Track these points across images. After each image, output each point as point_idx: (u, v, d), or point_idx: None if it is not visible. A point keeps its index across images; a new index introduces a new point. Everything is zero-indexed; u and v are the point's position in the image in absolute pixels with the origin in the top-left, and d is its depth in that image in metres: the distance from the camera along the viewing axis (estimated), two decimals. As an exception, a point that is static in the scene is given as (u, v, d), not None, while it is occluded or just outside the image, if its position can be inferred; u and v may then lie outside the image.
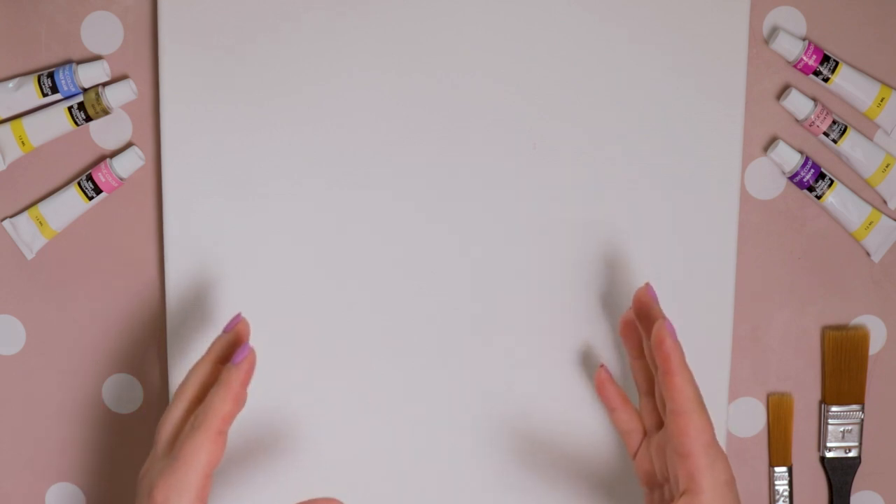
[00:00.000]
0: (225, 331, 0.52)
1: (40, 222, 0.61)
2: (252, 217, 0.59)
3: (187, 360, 0.60)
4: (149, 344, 0.62)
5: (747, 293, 0.61)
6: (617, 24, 0.58)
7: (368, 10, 0.58)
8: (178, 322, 0.60)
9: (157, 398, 0.63)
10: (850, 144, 0.59)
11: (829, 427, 0.62)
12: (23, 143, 0.60)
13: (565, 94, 0.58)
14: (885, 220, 0.60)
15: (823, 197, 0.60)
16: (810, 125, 0.59)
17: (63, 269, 0.62)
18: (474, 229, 0.59)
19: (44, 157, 0.61)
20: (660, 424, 0.54)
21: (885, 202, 0.61)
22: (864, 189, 0.61)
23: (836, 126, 0.59)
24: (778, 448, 0.62)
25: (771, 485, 0.63)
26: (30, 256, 0.62)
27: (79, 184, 0.60)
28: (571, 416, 0.60)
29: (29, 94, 0.60)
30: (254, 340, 0.59)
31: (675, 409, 0.49)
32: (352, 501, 0.61)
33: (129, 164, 0.60)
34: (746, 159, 0.60)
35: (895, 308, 0.62)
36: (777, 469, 0.62)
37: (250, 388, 0.60)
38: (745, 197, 0.61)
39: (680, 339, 0.50)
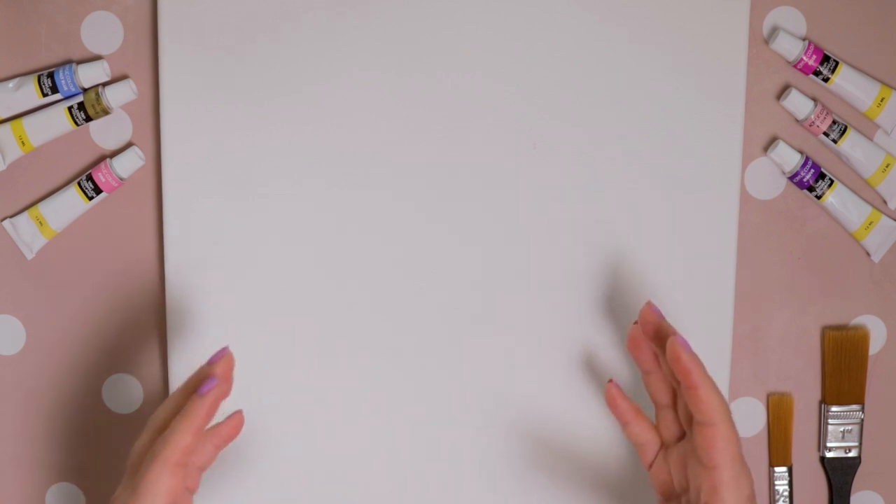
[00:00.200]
0: (209, 362, 0.50)
1: (40, 222, 0.61)
2: (252, 217, 0.59)
3: (187, 361, 0.60)
4: (149, 344, 0.62)
5: (747, 293, 0.61)
6: (617, 24, 0.58)
7: (368, 10, 0.58)
8: (178, 322, 0.60)
9: (157, 398, 0.63)
10: (850, 144, 0.59)
11: (829, 427, 0.62)
12: (23, 143, 0.60)
13: (565, 94, 0.58)
14: (885, 220, 0.60)
15: (823, 197, 0.60)
16: (810, 125, 0.59)
17: (63, 269, 0.62)
18: (474, 229, 0.59)
19: (44, 157, 0.61)
20: (680, 436, 0.53)
21: (885, 202, 0.61)
22: (864, 189, 0.61)
23: (836, 126, 0.59)
24: (778, 448, 0.62)
25: (771, 485, 0.63)
26: (30, 256, 0.62)
27: (79, 184, 0.60)
28: (572, 416, 0.60)
29: (29, 94, 0.60)
30: (254, 340, 0.60)
31: (702, 421, 0.48)
32: (352, 501, 0.61)
33: (129, 164, 0.60)
34: (746, 159, 0.60)
35: (895, 308, 0.62)
36: (777, 469, 0.62)
37: (250, 388, 0.60)
38: (745, 197, 0.61)
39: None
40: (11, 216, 0.62)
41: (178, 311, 0.59)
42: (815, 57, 0.59)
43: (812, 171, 0.59)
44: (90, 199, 0.60)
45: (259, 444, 0.60)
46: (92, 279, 0.62)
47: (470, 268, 0.59)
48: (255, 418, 0.60)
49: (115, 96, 0.59)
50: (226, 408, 0.60)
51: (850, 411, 0.61)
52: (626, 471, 0.60)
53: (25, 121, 0.60)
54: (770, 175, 0.61)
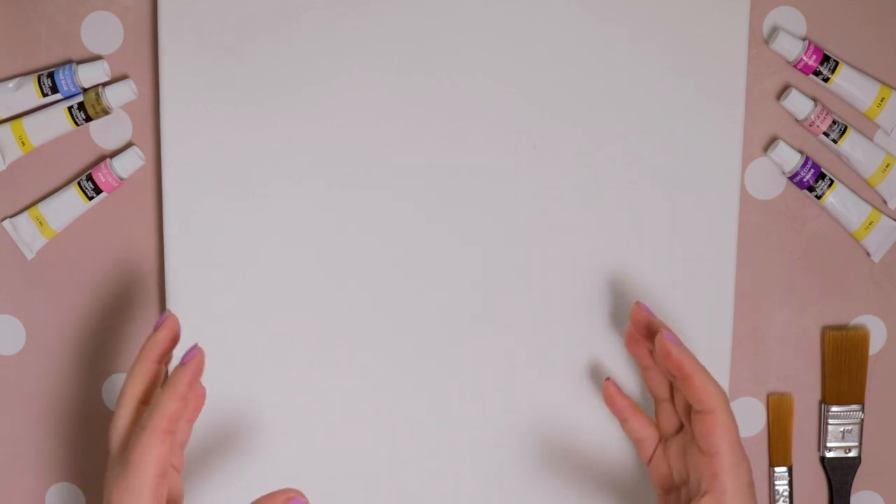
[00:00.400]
0: (182, 363, 0.50)
1: (40, 222, 0.61)
2: (252, 217, 0.59)
3: (187, 360, 0.60)
4: (149, 344, 0.62)
5: (747, 293, 0.61)
6: (617, 24, 0.58)
7: (368, 10, 0.58)
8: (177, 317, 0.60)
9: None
10: (850, 144, 0.59)
11: (829, 427, 0.62)
12: (23, 143, 0.60)
13: (565, 94, 0.58)
14: (885, 220, 0.60)
15: (823, 197, 0.60)
16: (810, 125, 0.59)
17: (63, 269, 0.62)
18: (474, 229, 0.59)
19: (44, 157, 0.61)
20: (679, 428, 0.54)
21: (885, 202, 0.61)
22: (864, 189, 0.61)
23: (836, 126, 0.59)
24: (778, 448, 0.62)
25: (771, 485, 0.63)
26: (30, 256, 0.62)
27: (79, 184, 0.60)
28: (572, 415, 0.60)
29: (29, 94, 0.60)
30: (254, 340, 0.60)
31: (701, 409, 0.49)
32: (352, 501, 0.61)
33: (129, 164, 0.60)
34: (746, 159, 0.60)
35: (895, 308, 0.62)
36: (777, 469, 0.62)
37: (251, 388, 0.60)
38: (745, 197, 0.61)
39: (681, 340, 0.50)
40: (11, 216, 0.62)
41: (178, 311, 0.59)
42: (815, 57, 0.59)
43: (812, 171, 0.59)
44: (90, 199, 0.60)
45: (259, 444, 0.60)
46: (92, 279, 0.62)
47: (470, 268, 0.59)
48: (255, 418, 0.60)
49: (115, 96, 0.59)
50: (224, 408, 0.60)
51: (850, 411, 0.61)
52: (627, 469, 0.60)
53: (25, 121, 0.60)
54: (770, 175, 0.61)
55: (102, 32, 0.60)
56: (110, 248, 0.62)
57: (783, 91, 0.60)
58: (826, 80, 0.59)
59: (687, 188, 0.59)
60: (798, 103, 0.59)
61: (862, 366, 0.61)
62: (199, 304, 0.59)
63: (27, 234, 0.61)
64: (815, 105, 0.59)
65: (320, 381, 0.60)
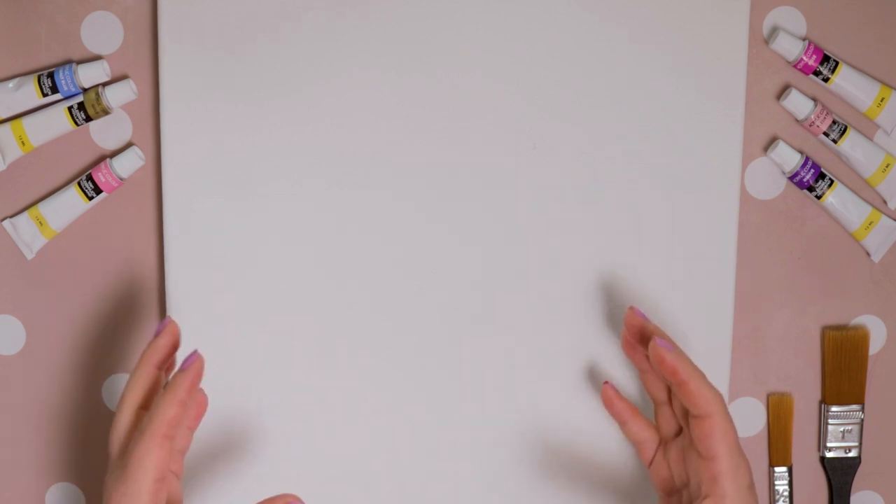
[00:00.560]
0: (182, 368, 0.51)
1: (40, 222, 0.61)
2: (252, 217, 0.59)
3: (187, 360, 0.60)
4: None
5: (747, 293, 0.61)
6: (617, 24, 0.58)
7: (368, 10, 0.58)
8: (177, 322, 0.60)
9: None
10: (850, 144, 0.59)
11: (829, 427, 0.62)
12: (23, 143, 0.60)
13: (565, 94, 0.58)
14: (885, 220, 0.60)
15: (823, 197, 0.60)
16: (810, 125, 0.59)
17: (63, 269, 0.62)
18: (474, 229, 0.59)
19: (44, 157, 0.61)
20: (678, 431, 0.54)
21: (885, 202, 0.61)
22: (864, 189, 0.61)
23: (836, 126, 0.59)
24: (778, 448, 0.62)
25: (771, 485, 0.63)
26: (30, 256, 0.62)
27: (79, 184, 0.60)
28: (572, 416, 0.60)
29: (29, 94, 0.60)
30: (254, 340, 0.60)
31: (698, 414, 0.49)
32: (352, 501, 0.61)
33: (129, 164, 0.60)
34: (746, 159, 0.60)
35: (895, 308, 0.62)
36: (777, 469, 0.62)
37: (251, 388, 0.60)
38: (745, 197, 0.61)
39: (678, 342, 0.50)
40: (11, 216, 0.62)
41: (178, 311, 0.59)
42: (815, 57, 0.59)
43: (812, 171, 0.59)
44: (90, 199, 0.60)
45: (259, 444, 0.60)
46: (92, 279, 0.62)
47: (470, 268, 0.59)
48: (255, 418, 0.60)
49: (115, 96, 0.59)
50: (225, 408, 0.60)
51: (850, 411, 0.61)
52: (627, 470, 0.60)
53: (25, 121, 0.60)
54: (770, 175, 0.61)
55: (102, 32, 0.60)
56: (110, 248, 0.62)
57: (783, 91, 0.60)
58: (826, 80, 0.59)
59: (687, 188, 0.59)
60: (798, 103, 0.59)
61: (862, 366, 0.61)
62: (199, 304, 0.59)
63: (27, 234, 0.61)
64: (815, 105, 0.59)
65: (320, 382, 0.60)
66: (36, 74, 0.60)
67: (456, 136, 0.59)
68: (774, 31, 0.59)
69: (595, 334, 0.60)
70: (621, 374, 0.60)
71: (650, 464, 0.55)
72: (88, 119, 0.60)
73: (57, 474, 0.63)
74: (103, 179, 0.60)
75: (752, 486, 0.49)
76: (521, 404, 0.60)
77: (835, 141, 0.59)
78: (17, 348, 0.63)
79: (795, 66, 0.59)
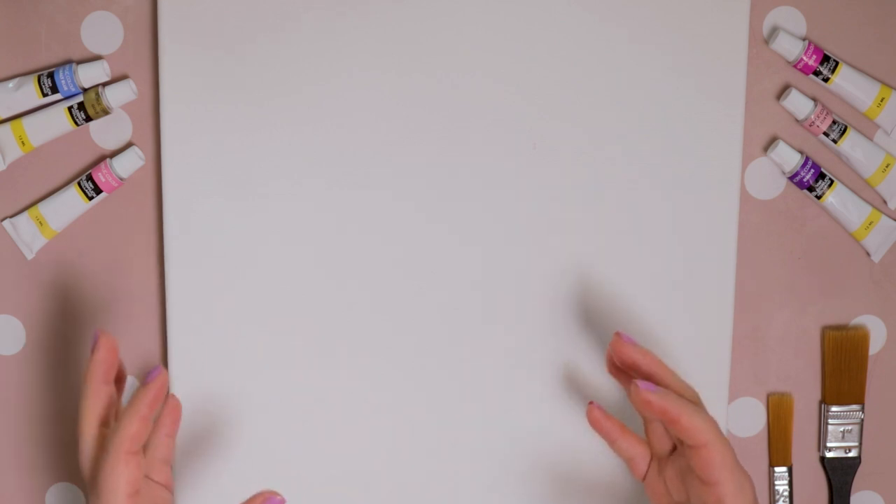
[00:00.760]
0: (144, 384, 0.51)
1: (40, 222, 0.61)
2: (252, 217, 0.59)
3: (187, 361, 0.60)
4: (149, 344, 0.62)
5: (747, 293, 0.61)
6: (617, 24, 0.58)
7: (368, 10, 0.58)
8: (178, 322, 0.60)
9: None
10: (850, 144, 0.59)
11: (829, 427, 0.62)
12: (23, 143, 0.60)
13: (565, 94, 0.58)
14: (885, 220, 0.60)
15: (823, 197, 0.60)
16: (810, 125, 0.59)
17: (63, 269, 0.62)
18: (474, 229, 0.59)
19: (44, 157, 0.61)
20: (672, 448, 0.52)
21: (885, 202, 0.61)
22: (864, 189, 0.61)
23: (836, 126, 0.59)
24: (778, 448, 0.62)
25: (771, 485, 0.63)
26: (30, 256, 0.62)
27: (79, 184, 0.60)
28: (571, 416, 0.60)
29: (29, 94, 0.60)
30: (254, 340, 0.60)
31: (693, 445, 0.48)
32: (352, 501, 0.61)
33: (129, 164, 0.60)
34: (746, 159, 0.60)
35: (895, 308, 0.62)
36: (777, 469, 0.62)
37: (251, 388, 0.60)
38: (745, 197, 0.61)
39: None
40: (11, 216, 0.62)
41: (178, 311, 0.59)
42: (815, 57, 0.59)
43: (812, 171, 0.59)
44: (90, 199, 0.60)
45: (259, 444, 0.60)
46: (92, 279, 0.62)
47: (470, 268, 0.59)
48: (254, 418, 0.60)
49: (115, 96, 0.59)
50: (224, 408, 0.60)
51: (850, 411, 0.61)
52: (627, 470, 0.60)
53: (25, 121, 0.60)
54: (770, 175, 0.61)
55: (102, 32, 0.60)
56: (110, 248, 0.62)
57: (783, 91, 0.60)
58: (826, 80, 0.59)
59: (687, 188, 0.59)
60: (798, 103, 0.59)
61: (862, 366, 0.61)
62: (199, 304, 0.59)
63: (27, 234, 0.61)
64: (815, 105, 0.59)
65: (320, 382, 0.60)
66: (36, 74, 0.60)
67: (456, 136, 0.59)
68: (774, 31, 0.59)
69: (595, 334, 0.59)
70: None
71: (644, 478, 0.54)
72: (88, 119, 0.60)
73: (57, 474, 0.63)
74: (103, 179, 0.60)
75: (755, 501, 0.49)
76: (521, 404, 0.60)
77: (835, 141, 0.59)
78: (17, 348, 0.63)
79: (795, 66, 0.59)
